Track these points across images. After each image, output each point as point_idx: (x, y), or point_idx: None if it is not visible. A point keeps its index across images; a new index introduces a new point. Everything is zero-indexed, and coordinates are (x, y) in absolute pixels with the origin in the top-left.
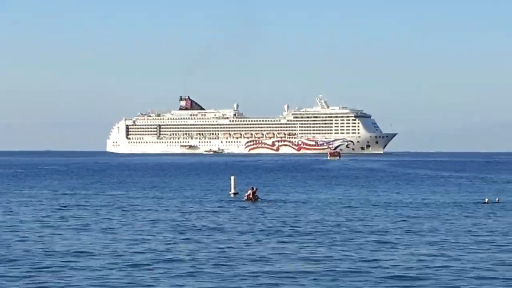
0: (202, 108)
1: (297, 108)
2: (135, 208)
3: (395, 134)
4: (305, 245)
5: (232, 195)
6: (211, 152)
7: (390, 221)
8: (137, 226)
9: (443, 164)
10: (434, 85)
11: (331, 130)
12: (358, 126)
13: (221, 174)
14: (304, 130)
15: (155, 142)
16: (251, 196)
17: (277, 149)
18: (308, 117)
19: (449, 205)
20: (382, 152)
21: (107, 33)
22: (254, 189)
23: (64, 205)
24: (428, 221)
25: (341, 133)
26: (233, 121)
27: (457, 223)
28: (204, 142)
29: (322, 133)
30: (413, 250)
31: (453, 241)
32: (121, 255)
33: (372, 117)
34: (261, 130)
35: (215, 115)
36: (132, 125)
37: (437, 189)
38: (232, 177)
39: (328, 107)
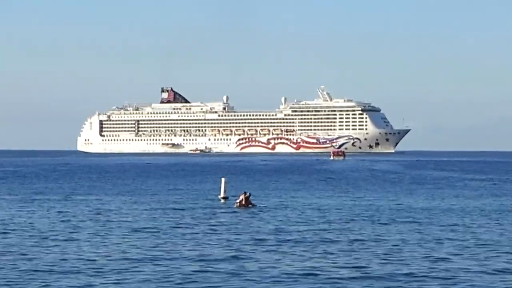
0: (186, 101)
1: (295, 100)
2: (108, 215)
3: (408, 131)
4: (303, 257)
5: (221, 200)
6: (197, 152)
7: (404, 229)
8: (105, 235)
9: (462, 165)
10: (452, 76)
11: (334, 126)
12: (366, 122)
13: (209, 177)
14: (304, 126)
15: (133, 140)
16: (243, 202)
17: (273, 148)
18: (308, 111)
19: (472, 212)
20: (393, 151)
21: (76, 15)
22: (247, 194)
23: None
24: (450, 229)
25: (346, 129)
26: (222, 115)
27: (480, 231)
28: (189, 140)
29: (325, 130)
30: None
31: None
32: (80, 272)
33: (381, 111)
34: (255, 126)
35: (201, 109)
36: (107, 120)
37: (456, 193)
38: (223, 180)
39: (331, 99)
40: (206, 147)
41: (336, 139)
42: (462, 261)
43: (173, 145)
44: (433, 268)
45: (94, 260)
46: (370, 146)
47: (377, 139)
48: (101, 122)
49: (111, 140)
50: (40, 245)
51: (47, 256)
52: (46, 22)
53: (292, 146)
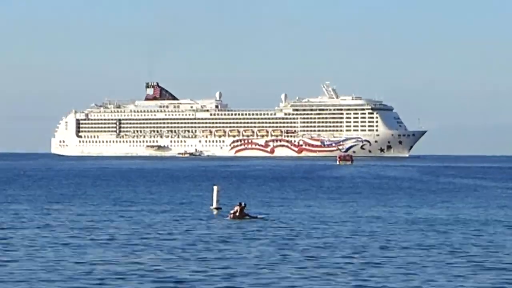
0: (175, 98)
1: (297, 98)
2: (84, 226)
3: (423, 132)
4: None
5: (214, 211)
6: (187, 155)
7: (422, 242)
8: (81, 247)
9: (484, 171)
10: (474, 70)
11: (341, 126)
12: (377, 122)
13: (199, 184)
14: (307, 126)
15: (114, 142)
16: (237, 213)
17: (272, 151)
18: (311, 110)
19: (493, 224)
20: (407, 155)
21: (51, 3)
22: (243, 204)
23: None
24: (474, 246)
25: (354, 130)
26: (214, 114)
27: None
28: (178, 141)
29: (330, 131)
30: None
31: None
32: None
33: (394, 110)
34: (251, 127)
35: (191, 107)
36: (84, 119)
37: (478, 203)
38: (215, 187)
39: (337, 97)
40: (196, 150)
41: (343, 141)
42: None
43: (159, 147)
44: None
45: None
46: (381, 150)
47: (389, 142)
48: (78, 122)
49: (90, 141)
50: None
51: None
52: (17, 9)
53: (293, 149)
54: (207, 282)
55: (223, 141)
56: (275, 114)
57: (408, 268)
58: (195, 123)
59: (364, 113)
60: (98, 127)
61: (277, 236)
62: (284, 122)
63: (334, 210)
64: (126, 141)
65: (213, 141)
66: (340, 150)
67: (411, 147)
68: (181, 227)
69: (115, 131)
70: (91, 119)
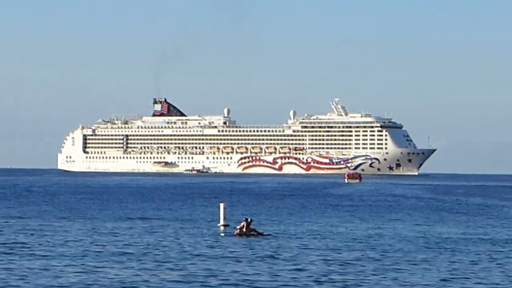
0: (182, 114)
1: (306, 115)
2: (93, 239)
3: (433, 151)
4: None
5: (221, 228)
6: (194, 172)
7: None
8: (90, 261)
9: (499, 190)
10: (484, 88)
11: (350, 144)
12: (386, 140)
13: (206, 201)
14: (315, 143)
15: (121, 158)
16: (244, 229)
17: (280, 169)
18: (320, 127)
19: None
20: (416, 173)
21: (54, 16)
22: (249, 220)
23: None
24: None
25: (363, 148)
26: (222, 131)
27: None
28: (185, 158)
29: (339, 148)
30: None
31: None
32: None
33: (403, 128)
34: (259, 144)
35: (199, 123)
36: (91, 135)
37: (491, 222)
38: (222, 205)
39: (346, 114)
40: (203, 166)
41: (351, 159)
42: None
43: (166, 164)
44: None
45: None
46: (391, 168)
47: (398, 160)
48: (85, 137)
49: (96, 157)
50: None
51: None
52: (23, 24)
53: (301, 167)
54: None
55: (231, 158)
56: (283, 131)
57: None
58: (203, 139)
59: (373, 131)
60: (105, 143)
61: (277, 251)
62: (292, 139)
63: (339, 229)
64: (133, 157)
65: (220, 158)
66: (348, 168)
67: (421, 165)
68: (186, 243)
69: (122, 147)
70: (98, 135)
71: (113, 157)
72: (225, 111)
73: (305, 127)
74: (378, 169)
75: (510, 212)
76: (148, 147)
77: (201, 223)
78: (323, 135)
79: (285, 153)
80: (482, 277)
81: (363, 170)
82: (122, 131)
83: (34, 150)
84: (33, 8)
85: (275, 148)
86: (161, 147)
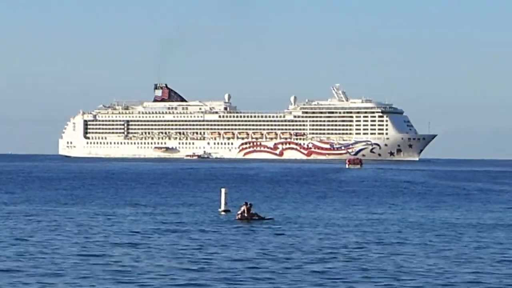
0: (183, 100)
1: (307, 100)
2: (89, 226)
3: (434, 136)
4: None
5: (222, 213)
6: (195, 157)
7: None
8: (92, 246)
9: (503, 175)
10: (484, 74)
11: (351, 129)
12: (387, 125)
13: (207, 186)
14: (316, 129)
15: (122, 143)
16: (245, 213)
17: (281, 154)
18: (321, 113)
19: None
20: (417, 159)
21: (60, 5)
22: (248, 204)
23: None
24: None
25: (364, 133)
26: (223, 116)
27: None
28: (186, 143)
29: (339, 134)
30: None
31: None
32: None
33: (404, 114)
34: (260, 129)
35: (200, 108)
36: (92, 120)
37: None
38: (223, 190)
39: (347, 99)
40: (204, 152)
41: (352, 144)
42: None
43: (167, 149)
44: None
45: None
46: (391, 153)
47: (399, 145)
48: (85, 123)
49: (97, 143)
50: None
51: None
52: (24, 10)
53: (302, 152)
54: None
55: (232, 144)
56: (284, 116)
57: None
58: (204, 125)
59: (374, 116)
60: (106, 129)
61: (278, 237)
62: (293, 125)
63: (339, 214)
64: (134, 143)
65: (221, 144)
66: (349, 153)
67: (421, 150)
68: (187, 229)
69: (123, 132)
70: (99, 120)
71: (114, 143)
72: (226, 96)
73: (306, 112)
74: (379, 155)
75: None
76: (149, 133)
77: (202, 208)
78: (324, 121)
79: (286, 138)
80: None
81: (363, 155)
82: (123, 116)
83: (35, 136)
84: None
85: (276, 134)
86: (162, 133)
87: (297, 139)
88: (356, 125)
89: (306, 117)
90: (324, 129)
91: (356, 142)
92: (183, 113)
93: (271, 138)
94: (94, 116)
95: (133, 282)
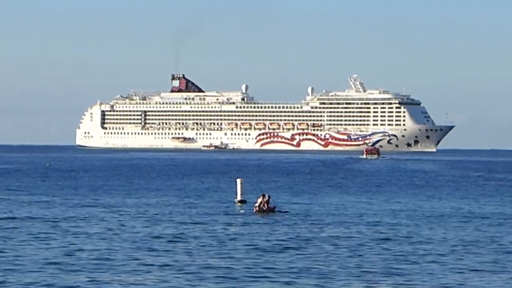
0: (200, 90)
1: (324, 91)
2: (104, 218)
3: (451, 127)
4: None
5: (238, 204)
6: (212, 147)
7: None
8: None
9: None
10: (501, 65)
11: (368, 120)
12: (404, 116)
13: (224, 176)
14: (333, 120)
15: (139, 134)
16: (263, 206)
17: (298, 145)
18: (338, 104)
19: None
20: (434, 150)
21: None
22: (267, 197)
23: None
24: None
25: (381, 124)
26: (240, 107)
27: None
28: (203, 134)
29: (357, 125)
30: None
31: None
32: None
33: (422, 105)
34: (277, 120)
35: (217, 99)
36: (110, 111)
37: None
38: (239, 180)
39: (364, 90)
40: (221, 142)
41: (369, 135)
42: None
43: (185, 139)
44: None
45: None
46: (409, 144)
47: (416, 136)
48: (103, 113)
49: (114, 133)
50: None
51: None
52: (39, 2)
53: (319, 143)
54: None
55: (249, 134)
56: (301, 107)
57: None
58: (221, 115)
59: (392, 107)
60: (124, 119)
61: (301, 230)
62: (310, 116)
63: (361, 205)
64: (152, 133)
65: (238, 134)
66: (366, 144)
67: (439, 141)
68: (201, 220)
69: (141, 123)
70: (117, 111)
71: (131, 133)
72: (243, 87)
73: (323, 103)
74: (396, 146)
75: None
76: (166, 123)
77: (216, 198)
78: (341, 112)
79: (303, 129)
80: None
81: (381, 146)
82: (140, 107)
83: (52, 126)
84: None
85: (293, 125)
86: (179, 123)
87: (314, 130)
88: (374, 116)
89: (323, 108)
90: (341, 120)
91: (374, 133)
92: (200, 103)
93: (288, 129)
94: (112, 106)
95: None
